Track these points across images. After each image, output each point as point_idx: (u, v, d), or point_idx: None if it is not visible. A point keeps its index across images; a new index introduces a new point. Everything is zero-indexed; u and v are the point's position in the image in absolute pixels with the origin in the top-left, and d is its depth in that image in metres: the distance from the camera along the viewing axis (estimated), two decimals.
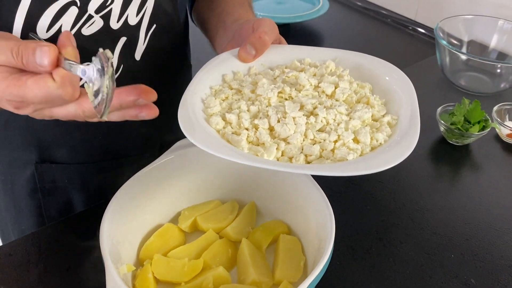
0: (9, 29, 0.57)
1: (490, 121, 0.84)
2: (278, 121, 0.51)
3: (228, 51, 0.62)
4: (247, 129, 0.51)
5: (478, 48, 1.08)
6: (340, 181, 0.76)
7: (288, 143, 0.49)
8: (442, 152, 0.85)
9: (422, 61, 1.12)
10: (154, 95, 0.46)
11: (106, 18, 0.61)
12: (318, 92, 0.56)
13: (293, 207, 0.63)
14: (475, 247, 0.66)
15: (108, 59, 0.42)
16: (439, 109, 0.86)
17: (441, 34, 1.03)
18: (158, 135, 0.80)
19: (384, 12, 1.41)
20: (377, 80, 0.60)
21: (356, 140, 0.50)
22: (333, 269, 0.61)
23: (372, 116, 0.54)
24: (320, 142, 0.50)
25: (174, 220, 0.65)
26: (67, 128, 0.70)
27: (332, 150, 0.49)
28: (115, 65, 0.66)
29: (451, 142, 0.85)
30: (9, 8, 0.56)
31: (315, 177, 0.59)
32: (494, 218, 0.71)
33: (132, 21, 0.64)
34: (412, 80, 0.60)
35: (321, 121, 0.51)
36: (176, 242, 0.62)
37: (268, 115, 0.52)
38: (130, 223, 0.60)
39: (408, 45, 1.30)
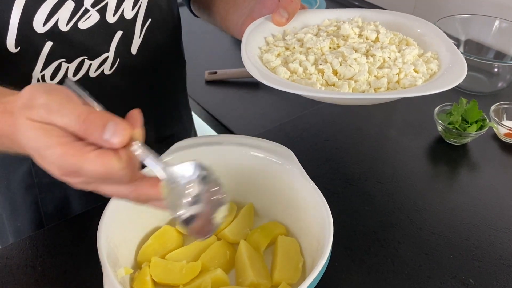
0: (6, 24, 0.57)
1: (487, 120, 0.84)
2: (340, 64, 0.56)
3: (262, 18, 0.66)
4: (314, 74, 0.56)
5: (475, 47, 1.08)
6: (338, 182, 0.76)
7: (356, 81, 0.55)
8: (440, 151, 0.85)
9: None
10: None
11: (102, 12, 0.62)
12: (362, 39, 0.62)
13: (291, 209, 0.63)
14: (473, 247, 0.66)
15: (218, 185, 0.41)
16: (436, 109, 0.86)
17: None
18: (154, 130, 0.80)
19: None
20: (406, 30, 0.66)
21: (415, 71, 0.56)
22: (331, 270, 0.61)
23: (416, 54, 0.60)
24: (384, 76, 0.56)
25: (172, 222, 0.65)
26: None
27: (397, 81, 0.55)
28: (111, 59, 0.66)
29: (448, 141, 0.85)
30: (5, 3, 0.56)
31: (313, 178, 0.59)
32: (493, 217, 0.71)
33: (128, 15, 0.64)
34: None
35: (379, 60, 0.57)
36: (174, 244, 0.62)
37: (327, 61, 0.57)
38: (127, 226, 0.59)
39: None
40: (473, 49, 1.08)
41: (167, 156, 0.62)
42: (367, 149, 0.85)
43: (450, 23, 1.06)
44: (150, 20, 0.68)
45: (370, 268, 0.63)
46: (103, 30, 0.63)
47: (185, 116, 0.89)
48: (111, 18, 0.63)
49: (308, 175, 0.60)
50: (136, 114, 0.41)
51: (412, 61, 0.58)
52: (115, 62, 0.67)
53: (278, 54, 0.61)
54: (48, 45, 0.60)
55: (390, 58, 0.59)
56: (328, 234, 0.53)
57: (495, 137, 0.87)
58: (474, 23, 1.07)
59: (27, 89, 0.39)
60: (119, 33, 0.65)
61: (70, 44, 0.61)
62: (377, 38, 0.63)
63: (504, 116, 0.89)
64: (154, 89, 0.77)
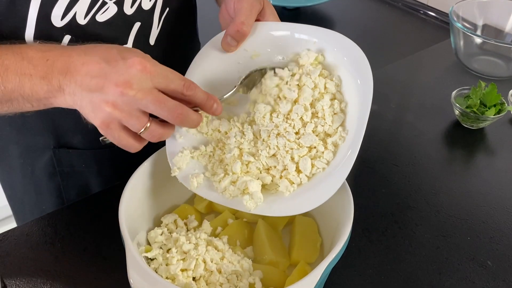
0: (24, 19, 0.57)
1: (506, 104, 0.83)
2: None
3: (208, 45, 0.63)
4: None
5: (492, 32, 1.07)
6: (355, 164, 0.76)
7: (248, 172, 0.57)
8: (457, 135, 0.84)
9: (435, 45, 1.11)
10: None
11: (120, 4, 0.61)
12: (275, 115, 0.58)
13: None
14: (491, 230, 0.66)
15: None
16: (454, 93, 0.85)
17: (455, 18, 1.01)
18: None
19: None
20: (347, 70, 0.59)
21: (298, 171, 0.55)
22: (349, 251, 0.61)
23: (324, 132, 0.57)
24: (271, 168, 0.57)
25: (190, 201, 0.65)
26: (81, 116, 0.70)
27: (281, 177, 0.56)
28: None
29: (465, 125, 0.85)
30: None
31: None
32: (509, 201, 0.71)
33: (146, 5, 0.64)
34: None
35: (274, 148, 0.56)
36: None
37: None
38: (147, 204, 0.60)
39: (420, 29, 1.29)
40: (490, 34, 1.06)
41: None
42: (384, 132, 0.85)
43: (467, 7, 1.04)
44: (168, 9, 0.67)
45: (388, 249, 0.63)
46: (121, 22, 0.63)
47: None
48: (128, 10, 0.62)
49: None
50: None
51: (302, 154, 0.55)
52: None
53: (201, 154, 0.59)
54: (67, 38, 0.60)
55: (285, 147, 0.56)
56: (348, 215, 0.53)
57: None
58: (492, 7, 1.05)
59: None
60: (137, 25, 0.64)
61: (88, 37, 0.61)
62: (291, 110, 0.57)
63: None
64: None
